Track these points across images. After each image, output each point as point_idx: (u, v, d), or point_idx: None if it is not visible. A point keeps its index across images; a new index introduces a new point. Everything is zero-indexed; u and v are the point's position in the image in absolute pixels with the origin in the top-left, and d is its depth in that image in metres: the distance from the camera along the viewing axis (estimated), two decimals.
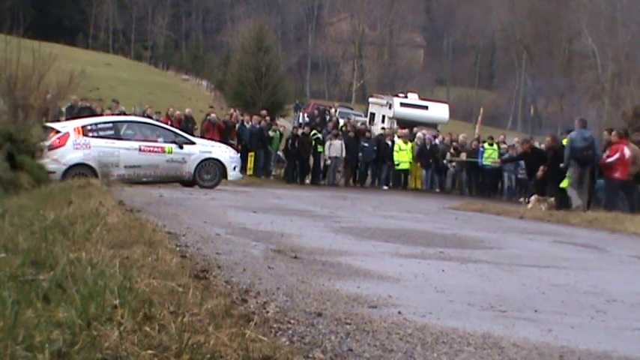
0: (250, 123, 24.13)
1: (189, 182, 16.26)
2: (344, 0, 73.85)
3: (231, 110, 27.51)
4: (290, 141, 23.76)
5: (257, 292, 4.08)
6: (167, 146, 16.09)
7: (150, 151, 15.95)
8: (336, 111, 41.21)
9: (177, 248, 5.39)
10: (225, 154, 16.86)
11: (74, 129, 15.94)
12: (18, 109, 16.99)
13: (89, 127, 15.99)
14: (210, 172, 16.39)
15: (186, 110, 25.19)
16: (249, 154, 23.60)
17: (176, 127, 23.34)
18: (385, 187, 24.13)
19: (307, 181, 23.98)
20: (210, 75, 61.93)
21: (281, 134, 24.71)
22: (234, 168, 16.79)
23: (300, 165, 23.91)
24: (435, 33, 78.54)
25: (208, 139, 23.42)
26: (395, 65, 71.12)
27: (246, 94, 33.75)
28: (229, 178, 16.60)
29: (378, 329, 3.46)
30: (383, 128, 30.53)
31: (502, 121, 57.23)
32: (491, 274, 5.50)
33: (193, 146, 16.38)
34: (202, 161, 16.28)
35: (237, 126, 24.03)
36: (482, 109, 39.41)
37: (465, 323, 3.69)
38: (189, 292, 3.44)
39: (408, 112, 33.72)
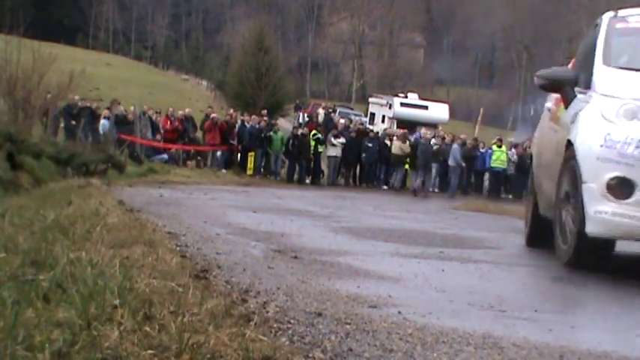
0: (250, 123, 24.13)
1: None
2: (344, 0, 73.83)
3: (231, 110, 27.54)
4: (290, 141, 23.74)
5: (257, 292, 4.08)
6: None
7: None
8: (335, 111, 41.23)
9: (177, 248, 5.38)
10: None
11: None
12: (18, 109, 17.02)
13: None
14: None
15: (186, 110, 25.16)
16: (249, 154, 23.62)
17: (177, 128, 23.43)
18: (385, 187, 24.12)
19: (307, 181, 23.98)
20: (210, 75, 61.99)
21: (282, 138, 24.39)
22: None
23: (300, 165, 23.90)
24: (435, 33, 78.52)
25: (210, 138, 23.48)
26: (395, 65, 71.07)
27: (247, 94, 33.77)
28: None
29: (378, 329, 3.45)
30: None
31: (502, 121, 57.19)
32: (491, 274, 5.49)
33: None
34: None
35: (237, 126, 24.03)
36: (482, 109, 39.38)
37: (464, 323, 3.69)
38: (189, 292, 3.44)
39: (408, 112, 33.76)
